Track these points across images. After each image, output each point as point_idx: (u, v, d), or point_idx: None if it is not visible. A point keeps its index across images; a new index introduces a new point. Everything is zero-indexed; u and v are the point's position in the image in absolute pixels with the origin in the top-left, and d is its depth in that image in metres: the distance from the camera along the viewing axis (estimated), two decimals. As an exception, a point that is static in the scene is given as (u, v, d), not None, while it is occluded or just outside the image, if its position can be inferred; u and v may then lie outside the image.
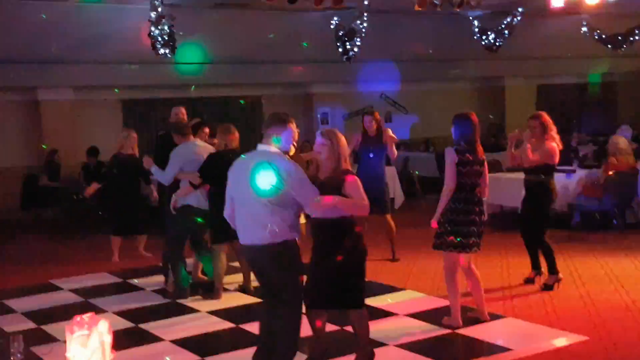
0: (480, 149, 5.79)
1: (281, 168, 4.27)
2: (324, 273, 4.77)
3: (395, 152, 8.24)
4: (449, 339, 5.61)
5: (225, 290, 7.19)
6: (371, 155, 8.15)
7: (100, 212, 10.04)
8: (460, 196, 5.70)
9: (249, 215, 4.40)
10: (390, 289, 7.10)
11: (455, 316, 5.82)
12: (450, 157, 5.69)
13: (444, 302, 6.27)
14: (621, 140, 9.66)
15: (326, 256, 4.75)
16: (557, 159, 6.79)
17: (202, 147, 7.07)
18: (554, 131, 6.77)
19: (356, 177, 4.72)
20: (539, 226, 6.86)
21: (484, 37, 14.14)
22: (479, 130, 5.82)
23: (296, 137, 6.57)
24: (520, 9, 13.14)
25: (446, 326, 5.80)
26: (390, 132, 8.18)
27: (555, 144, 6.72)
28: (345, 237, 4.71)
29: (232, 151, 6.55)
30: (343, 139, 4.82)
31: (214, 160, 6.62)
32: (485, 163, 5.86)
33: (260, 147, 4.45)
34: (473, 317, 5.94)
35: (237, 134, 6.86)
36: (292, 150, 6.52)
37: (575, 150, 12.27)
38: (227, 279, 7.34)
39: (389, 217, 8.29)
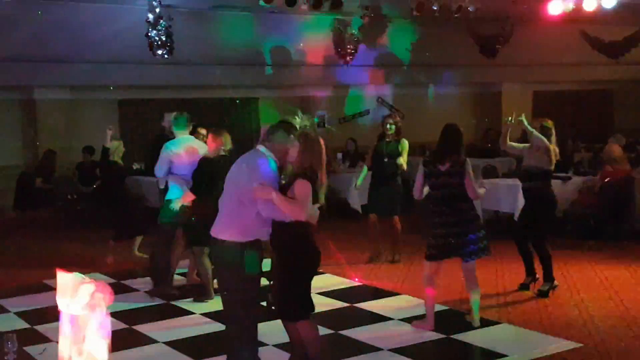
0: (455, 158, 5.73)
1: (253, 164, 4.38)
2: (275, 281, 4.71)
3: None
4: (443, 344, 5.60)
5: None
6: (386, 160, 8.28)
7: (99, 213, 10.02)
8: (432, 209, 5.80)
9: (222, 209, 4.53)
10: (386, 294, 7.09)
11: (429, 321, 5.88)
12: (419, 169, 5.82)
13: (438, 307, 6.27)
14: (615, 149, 9.67)
15: (277, 263, 4.65)
16: (553, 165, 6.81)
17: (195, 143, 7.09)
18: (554, 138, 6.79)
19: (307, 183, 4.45)
20: (542, 233, 6.86)
21: (481, 43, 14.20)
22: (458, 140, 5.81)
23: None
24: (517, 16, 13.19)
25: (416, 328, 5.88)
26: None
27: (554, 150, 6.73)
28: (293, 243, 4.52)
29: (223, 157, 6.64)
30: (317, 145, 4.60)
31: (204, 165, 6.70)
32: (468, 173, 5.74)
33: (260, 147, 4.55)
34: (468, 322, 5.96)
35: (228, 139, 6.85)
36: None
37: (570, 157, 12.28)
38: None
39: (396, 219, 8.39)
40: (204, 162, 6.75)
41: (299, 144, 4.55)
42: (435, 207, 5.77)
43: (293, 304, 4.60)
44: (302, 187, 4.42)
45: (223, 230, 4.43)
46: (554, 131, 6.84)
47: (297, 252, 4.53)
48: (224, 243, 4.41)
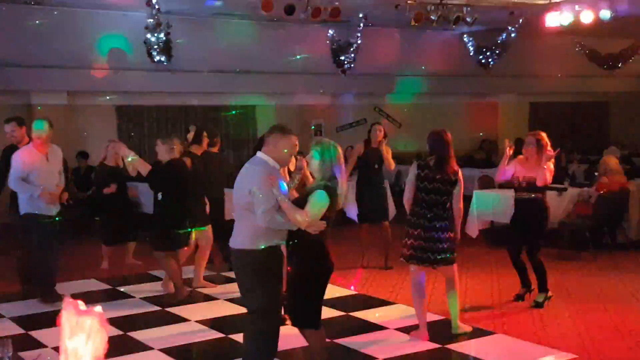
0: (451, 168, 5.79)
1: (251, 175, 4.35)
2: (288, 287, 4.70)
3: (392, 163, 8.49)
4: (438, 355, 5.61)
5: (216, 299, 7.19)
6: (376, 166, 8.40)
7: (95, 219, 9.95)
8: (414, 210, 5.80)
9: (235, 218, 4.53)
10: (381, 303, 7.09)
11: (422, 330, 5.88)
12: (412, 171, 5.81)
13: (434, 317, 6.28)
14: (612, 161, 9.72)
15: (292, 270, 4.65)
16: (549, 180, 6.80)
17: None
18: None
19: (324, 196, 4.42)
20: (536, 243, 6.87)
21: (478, 54, 14.27)
22: (451, 149, 5.85)
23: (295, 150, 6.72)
24: (514, 27, 13.26)
25: (413, 339, 5.87)
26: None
27: (549, 164, 6.75)
28: (306, 252, 4.51)
29: (175, 161, 7.03)
30: (335, 152, 4.59)
31: (163, 169, 6.96)
32: (461, 183, 5.82)
33: (258, 153, 4.51)
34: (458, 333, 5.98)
35: (177, 144, 7.16)
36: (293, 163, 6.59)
37: (565, 169, 12.32)
38: (220, 288, 7.36)
39: (387, 224, 8.52)
40: (162, 165, 7.01)
41: (316, 152, 4.54)
42: (420, 210, 5.78)
43: (308, 311, 4.57)
44: (318, 199, 4.38)
45: (236, 237, 4.43)
46: (545, 143, 6.82)
47: (311, 259, 4.51)
48: (238, 251, 4.41)
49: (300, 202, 4.42)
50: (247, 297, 4.49)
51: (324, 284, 4.60)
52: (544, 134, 6.86)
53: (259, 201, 4.25)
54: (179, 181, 6.97)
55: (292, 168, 5.99)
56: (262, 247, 4.34)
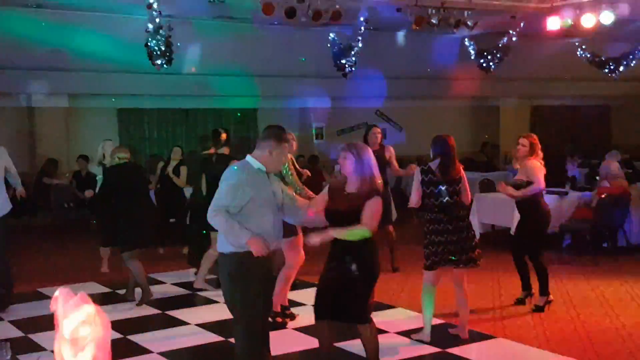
0: (455, 169, 5.80)
1: (225, 174, 4.33)
2: (331, 283, 4.75)
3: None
4: (439, 358, 5.59)
5: (215, 302, 7.18)
6: None
7: (93, 222, 9.96)
8: (429, 217, 5.79)
9: None
10: (382, 306, 7.05)
11: (425, 332, 5.89)
12: (415, 177, 5.83)
13: (435, 321, 6.25)
14: (613, 164, 9.72)
15: (335, 266, 4.73)
16: (529, 192, 6.75)
17: None
18: (540, 156, 6.79)
19: (380, 202, 4.64)
20: (535, 246, 6.86)
21: (479, 58, 14.24)
22: (455, 152, 5.86)
23: (294, 150, 6.72)
24: (516, 31, 13.24)
25: (415, 340, 5.89)
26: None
27: (539, 164, 6.73)
28: (355, 248, 4.63)
29: (134, 164, 7.43)
30: (369, 152, 4.74)
31: (116, 173, 7.26)
32: (464, 180, 5.86)
33: (247, 157, 4.46)
34: (454, 334, 5.98)
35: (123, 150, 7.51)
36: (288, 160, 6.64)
37: (565, 172, 12.30)
38: (220, 291, 7.32)
39: (391, 227, 8.47)
40: (115, 169, 7.28)
41: (352, 155, 4.66)
42: (434, 215, 5.77)
43: (362, 306, 4.71)
44: (375, 206, 4.59)
45: (221, 242, 4.39)
46: (536, 145, 6.81)
47: (369, 258, 4.67)
48: (222, 255, 4.38)
49: (356, 212, 4.57)
50: (228, 302, 4.43)
51: (376, 280, 4.77)
52: (535, 137, 6.86)
53: (214, 198, 4.28)
54: (117, 184, 7.18)
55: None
56: (241, 251, 4.24)
